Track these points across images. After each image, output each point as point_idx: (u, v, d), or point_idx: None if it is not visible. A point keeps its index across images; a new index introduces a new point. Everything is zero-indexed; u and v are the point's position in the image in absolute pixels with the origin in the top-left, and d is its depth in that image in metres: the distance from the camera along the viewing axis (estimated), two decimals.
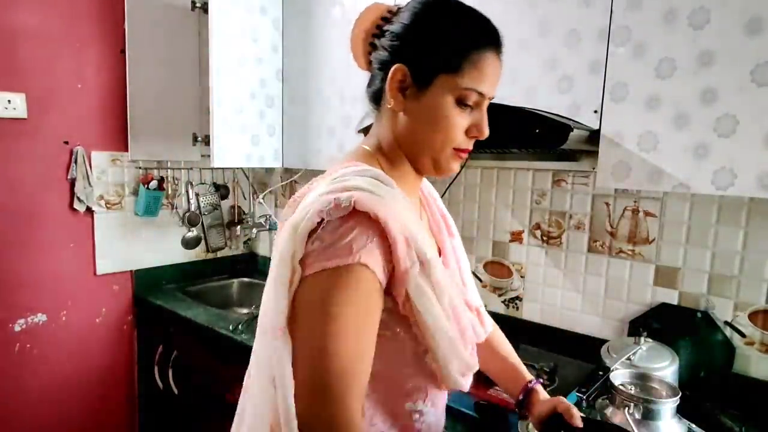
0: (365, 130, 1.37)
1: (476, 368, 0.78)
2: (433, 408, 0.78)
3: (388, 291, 0.67)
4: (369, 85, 0.80)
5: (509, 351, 0.99)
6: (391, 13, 0.75)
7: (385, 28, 0.75)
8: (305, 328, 0.64)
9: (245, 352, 1.62)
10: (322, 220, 0.63)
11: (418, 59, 0.71)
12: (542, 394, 0.91)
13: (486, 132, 0.74)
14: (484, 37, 0.72)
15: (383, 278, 0.65)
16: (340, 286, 0.62)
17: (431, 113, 0.72)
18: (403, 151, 0.77)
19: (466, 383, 0.76)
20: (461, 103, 0.71)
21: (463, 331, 0.74)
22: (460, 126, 0.73)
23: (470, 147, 0.76)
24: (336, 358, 0.61)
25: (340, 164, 0.76)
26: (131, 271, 2.10)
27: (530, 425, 0.92)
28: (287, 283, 0.64)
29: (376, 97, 0.78)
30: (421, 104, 0.72)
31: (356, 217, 0.63)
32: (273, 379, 0.64)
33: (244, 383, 0.81)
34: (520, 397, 0.91)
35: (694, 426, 0.97)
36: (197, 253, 2.31)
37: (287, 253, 0.64)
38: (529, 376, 0.94)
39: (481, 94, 0.72)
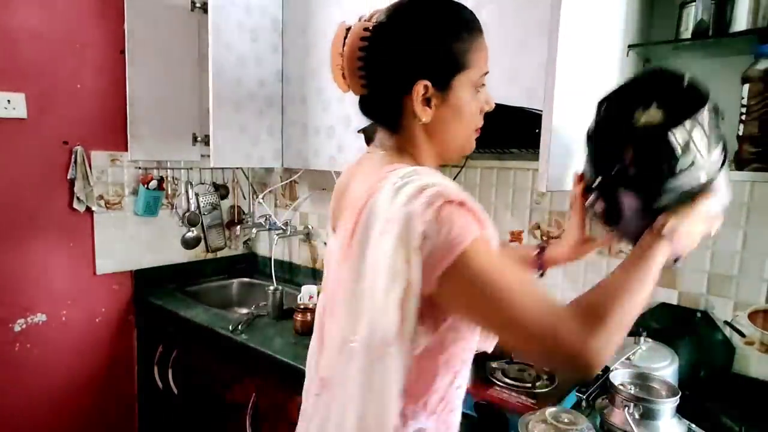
0: (365, 130, 1.37)
1: None
2: (465, 379, 0.81)
3: None
4: (367, 104, 0.81)
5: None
6: (370, 32, 0.75)
7: (374, 47, 0.74)
8: (482, 310, 0.66)
9: (245, 352, 1.63)
10: (426, 223, 0.64)
11: (434, 70, 0.73)
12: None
13: (493, 102, 0.81)
14: (472, 23, 0.76)
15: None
16: (479, 259, 0.64)
17: (456, 110, 0.77)
18: (434, 150, 0.80)
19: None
20: (476, 89, 0.78)
21: None
22: (478, 109, 0.79)
23: (482, 122, 0.82)
24: (525, 304, 0.64)
25: (385, 168, 0.73)
26: (131, 270, 2.10)
27: (530, 424, 0.92)
28: (401, 294, 0.64)
29: (383, 116, 0.80)
30: (446, 106, 0.76)
31: (450, 206, 0.65)
32: (363, 399, 0.67)
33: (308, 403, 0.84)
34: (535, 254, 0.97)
35: (694, 426, 0.97)
36: (197, 253, 2.31)
37: (397, 266, 0.64)
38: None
39: (486, 74, 0.79)
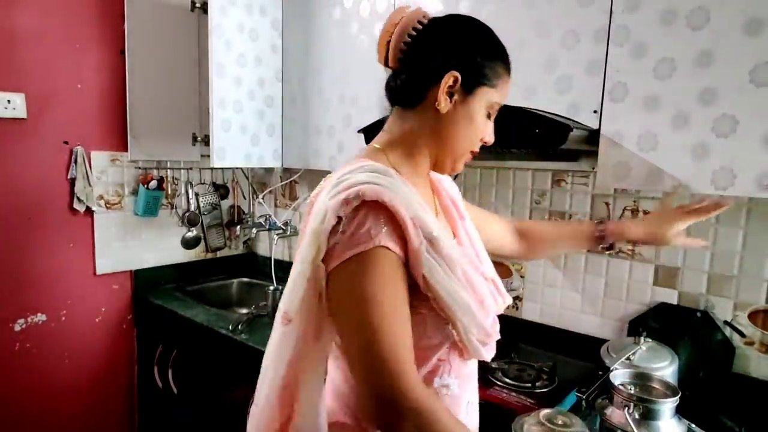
0: (365, 130, 1.37)
1: (497, 337, 0.82)
2: (457, 380, 0.82)
3: (407, 270, 0.73)
4: (393, 82, 0.83)
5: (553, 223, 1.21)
6: (426, 20, 0.81)
7: (428, 30, 0.80)
8: (346, 314, 0.71)
9: (244, 351, 1.63)
10: (339, 218, 0.70)
11: (469, 69, 0.78)
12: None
13: (492, 139, 0.85)
14: (509, 63, 0.84)
15: (402, 255, 0.71)
16: (369, 269, 0.68)
17: (469, 117, 0.80)
18: (428, 148, 0.83)
19: (486, 353, 0.81)
20: (488, 113, 0.82)
21: (482, 299, 0.80)
22: (483, 133, 0.83)
23: (479, 147, 0.85)
24: (381, 332, 0.66)
25: (348, 163, 0.81)
26: (131, 270, 2.10)
27: (525, 426, 0.91)
28: (308, 277, 0.73)
29: (405, 95, 0.82)
30: (463, 108, 0.80)
31: (366, 206, 0.69)
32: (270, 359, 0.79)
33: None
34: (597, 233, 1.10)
35: (693, 426, 0.97)
36: (197, 253, 2.31)
37: (310, 255, 0.72)
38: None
39: (500, 107, 0.84)
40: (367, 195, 0.69)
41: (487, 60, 0.80)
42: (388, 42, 0.80)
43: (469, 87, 0.79)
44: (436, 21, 0.81)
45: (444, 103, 0.78)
